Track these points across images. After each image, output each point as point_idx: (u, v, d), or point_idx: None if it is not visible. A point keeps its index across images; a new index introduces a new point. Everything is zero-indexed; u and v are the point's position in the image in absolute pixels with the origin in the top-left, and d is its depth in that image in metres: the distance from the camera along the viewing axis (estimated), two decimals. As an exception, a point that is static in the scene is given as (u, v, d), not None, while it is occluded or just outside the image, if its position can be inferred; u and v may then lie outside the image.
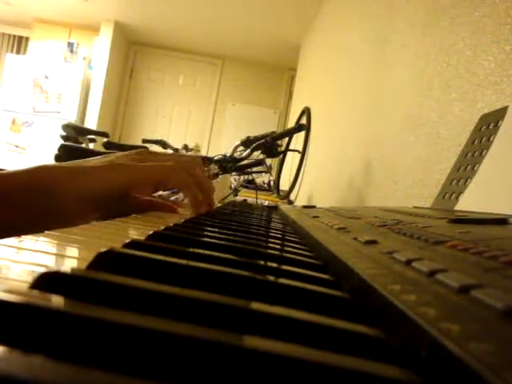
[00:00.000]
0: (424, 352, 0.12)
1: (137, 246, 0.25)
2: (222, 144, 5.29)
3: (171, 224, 0.37)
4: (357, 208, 0.69)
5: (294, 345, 0.12)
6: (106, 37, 5.08)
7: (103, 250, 0.21)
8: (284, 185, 2.23)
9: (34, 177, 0.44)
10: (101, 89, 5.07)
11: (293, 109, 4.49)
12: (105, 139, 3.17)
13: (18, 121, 4.83)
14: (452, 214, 0.46)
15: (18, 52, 5.58)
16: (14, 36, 5.77)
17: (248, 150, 1.88)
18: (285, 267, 0.25)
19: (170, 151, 3.55)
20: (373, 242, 0.28)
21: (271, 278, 0.21)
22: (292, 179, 1.96)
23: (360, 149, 1.65)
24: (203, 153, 5.35)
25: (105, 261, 0.20)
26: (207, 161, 1.81)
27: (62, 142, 2.94)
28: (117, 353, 0.11)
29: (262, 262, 0.27)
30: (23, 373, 0.09)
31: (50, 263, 0.20)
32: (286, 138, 2.08)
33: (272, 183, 2.36)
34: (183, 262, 0.21)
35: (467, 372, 0.10)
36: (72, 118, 4.76)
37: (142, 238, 0.29)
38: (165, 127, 5.62)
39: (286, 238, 0.43)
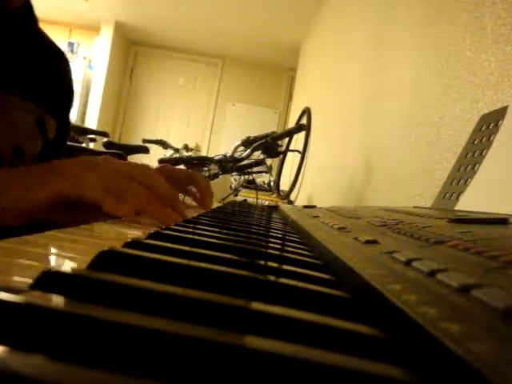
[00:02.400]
0: (424, 351, 0.12)
1: (137, 246, 0.25)
2: (222, 144, 5.29)
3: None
4: (357, 208, 0.69)
5: (294, 345, 0.12)
6: (106, 37, 5.08)
7: (104, 249, 0.21)
8: (284, 185, 2.23)
9: None
10: (101, 89, 5.07)
11: (293, 109, 4.49)
12: (105, 139, 3.17)
13: (18, 121, 4.83)
14: (452, 213, 0.46)
15: (18, 52, 5.58)
16: (15, 36, 5.77)
17: (248, 150, 1.88)
18: (285, 267, 0.25)
19: (170, 152, 3.56)
20: (373, 242, 0.28)
21: (272, 277, 0.21)
22: (292, 179, 1.96)
23: (360, 149, 1.65)
24: (203, 153, 5.35)
25: (105, 260, 0.20)
26: (207, 161, 1.81)
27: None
28: (117, 352, 0.11)
29: (263, 262, 0.27)
30: (23, 372, 0.09)
31: (50, 263, 0.20)
32: (286, 138, 2.08)
33: (272, 183, 2.35)
34: (184, 261, 0.21)
35: (467, 371, 0.10)
36: (72, 118, 4.75)
37: (143, 237, 0.29)
38: (165, 127, 5.62)
39: (287, 237, 0.43)
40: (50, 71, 0.62)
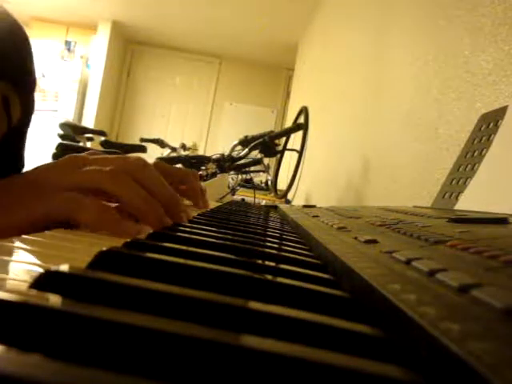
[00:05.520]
0: (424, 351, 0.12)
1: (137, 246, 0.25)
2: (220, 143, 5.29)
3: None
4: (357, 207, 0.69)
5: (293, 344, 0.12)
6: (103, 36, 5.07)
7: (104, 249, 0.21)
8: (281, 184, 2.23)
9: None
10: (98, 87, 5.06)
11: (290, 108, 4.49)
12: (102, 138, 3.17)
13: (15, 119, 4.81)
14: (452, 213, 0.46)
15: (15, 50, 5.55)
16: (12, 34, 5.74)
17: (246, 150, 1.88)
18: (285, 266, 0.25)
19: (167, 151, 3.55)
20: (373, 242, 0.28)
21: (271, 277, 0.21)
22: (289, 178, 1.96)
23: (358, 148, 1.65)
24: (201, 152, 5.35)
25: (105, 260, 0.20)
26: (205, 160, 1.81)
27: (59, 140, 2.94)
28: (116, 352, 0.11)
29: (263, 262, 0.27)
30: (22, 372, 0.09)
31: (49, 263, 0.20)
32: (284, 138, 2.08)
33: (269, 182, 2.36)
34: (183, 261, 0.21)
35: (467, 371, 0.10)
36: (69, 117, 4.76)
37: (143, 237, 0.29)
38: (162, 126, 5.62)
39: (286, 237, 0.43)
40: (16, 49, 0.59)
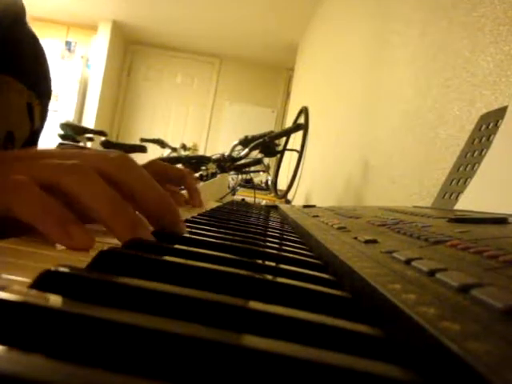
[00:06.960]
0: (424, 351, 0.13)
1: (137, 246, 0.25)
2: (220, 143, 5.30)
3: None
4: (357, 207, 0.69)
5: (294, 344, 0.12)
6: (103, 36, 5.08)
7: (104, 249, 0.21)
8: (282, 184, 2.23)
9: None
10: (98, 88, 5.07)
11: (290, 108, 4.49)
12: (103, 138, 3.18)
13: (15, 120, 4.81)
14: (452, 213, 0.46)
15: (15, 51, 5.55)
16: (12, 35, 5.74)
17: (246, 150, 1.88)
18: (285, 267, 0.25)
19: (167, 150, 3.55)
20: (373, 242, 0.28)
21: (272, 277, 0.21)
22: (290, 179, 1.97)
23: (358, 148, 1.65)
24: (201, 152, 5.35)
25: (105, 260, 0.20)
26: (206, 160, 1.81)
27: (59, 140, 2.94)
28: (117, 352, 0.11)
29: (263, 262, 0.27)
30: (22, 372, 0.09)
31: (49, 263, 0.20)
32: (284, 138, 2.08)
33: (270, 182, 2.36)
34: (183, 261, 0.21)
35: (467, 371, 0.10)
36: (70, 117, 4.75)
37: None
38: (163, 126, 5.62)
39: (287, 237, 0.43)
40: (36, 56, 0.60)
